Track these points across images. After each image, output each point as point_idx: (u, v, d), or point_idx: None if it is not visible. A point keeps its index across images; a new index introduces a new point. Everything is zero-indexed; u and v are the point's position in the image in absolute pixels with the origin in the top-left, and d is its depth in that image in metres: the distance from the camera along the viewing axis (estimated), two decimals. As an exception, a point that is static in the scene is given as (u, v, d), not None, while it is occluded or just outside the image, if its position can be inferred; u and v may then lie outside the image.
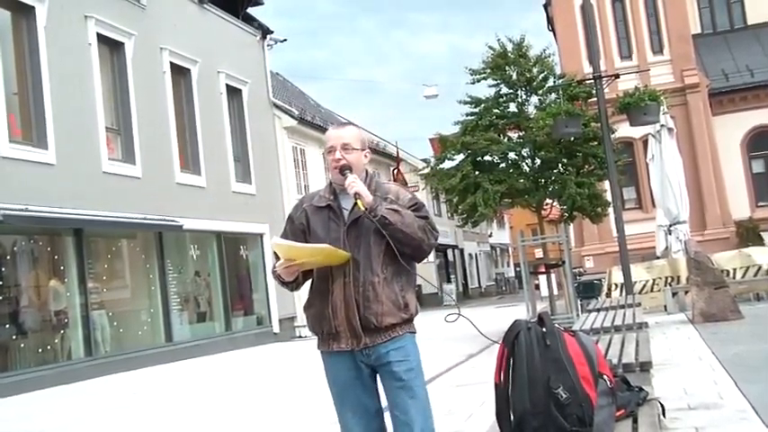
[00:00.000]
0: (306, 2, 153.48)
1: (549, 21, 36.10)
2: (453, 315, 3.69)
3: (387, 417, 3.64)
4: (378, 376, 3.59)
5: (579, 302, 15.84)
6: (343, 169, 3.59)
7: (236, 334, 21.26)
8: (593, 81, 14.32)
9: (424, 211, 3.64)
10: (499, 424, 3.61)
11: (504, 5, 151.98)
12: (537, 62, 16.95)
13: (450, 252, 46.64)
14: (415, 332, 3.63)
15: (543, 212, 17.15)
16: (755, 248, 18.02)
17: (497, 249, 63.11)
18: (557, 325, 3.69)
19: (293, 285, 3.68)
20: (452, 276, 46.48)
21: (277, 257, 3.59)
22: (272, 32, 25.71)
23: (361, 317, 3.48)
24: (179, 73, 20.45)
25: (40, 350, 15.22)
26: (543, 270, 17.50)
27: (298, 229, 3.69)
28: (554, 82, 17.02)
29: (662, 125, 16.77)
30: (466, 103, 17.20)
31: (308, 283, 3.71)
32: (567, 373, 3.44)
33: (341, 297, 3.51)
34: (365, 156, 3.74)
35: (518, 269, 43.11)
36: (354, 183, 3.52)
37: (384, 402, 3.62)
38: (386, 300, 3.49)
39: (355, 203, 3.52)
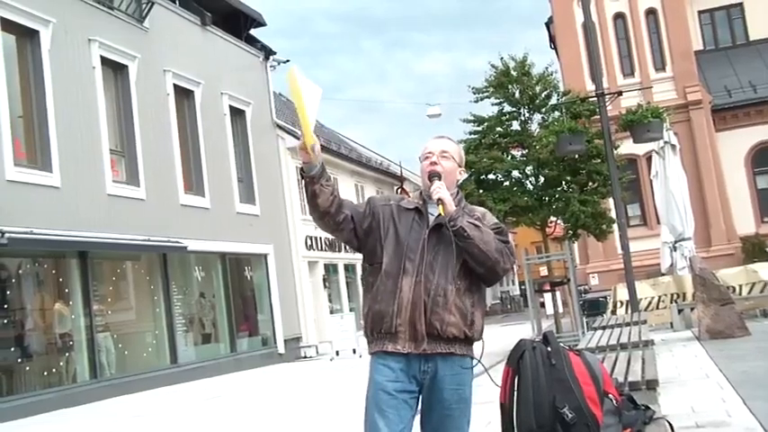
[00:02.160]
0: (308, 22, 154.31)
1: (552, 39, 36.22)
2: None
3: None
4: (420, 399, 3.47)
5: (585, 320, 15.80)
6: (432, 175, 3.58)
7: (242, 355, 21.21)
8: (595, 98, 14.34)
9: (506, 236, 3.60)
10: (505, 444, 3.58)
11: (506, 24, 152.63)
12: (540, 80, 17.01)
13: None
14: (473, 357, 3.53)
15: (548, 230, 17.14)
16: (761, 264, 17.94)
17: (502, 267, 62.88)
18: (562, 344, 3.67)
19: (314, 194, 3.49)
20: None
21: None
22: (274, 53, 25.81)
23: (426, 321, 3.38)
24: (182, 95, 20.53)
25: (45, 373, 15.19)
26: (548, 288, 17.46)
27: (370, 210, 3.63)
28: (557, 100, 17.08)
29: (665, 142, 16.80)
30: (469, 121, 17.26)
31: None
32: (573, 392, 3.42)
33: (409, 296, 3.41)
34: (460, 173, 3.75)
35: (523, 287, 42.99)
36: (439, 189, 3.50)
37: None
38: (455, 310, 3.42)
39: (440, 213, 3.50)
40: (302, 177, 3.54)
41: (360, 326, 3.94)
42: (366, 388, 3.50)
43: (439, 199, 3.48)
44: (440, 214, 3.48)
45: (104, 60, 17.61)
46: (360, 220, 3.61)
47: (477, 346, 3.55)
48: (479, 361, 3.53)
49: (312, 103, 3.50)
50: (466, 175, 3.84)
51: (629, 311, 13.17)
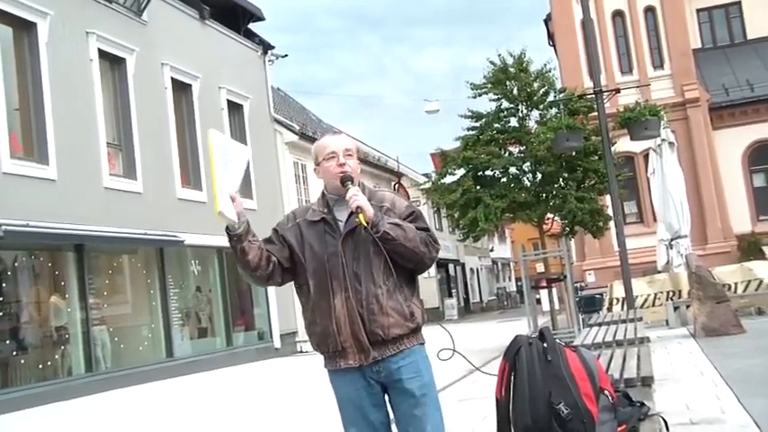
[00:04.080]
0: (307, 17, 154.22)
1: (550, 35, 36.19)
2: (447, 352, 3.61)
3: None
4: (387, 391, 3.51)
5: (581, 317, 15.82)
6: (345, 180, 3.49)
7: (238, 349, 21.23)
8: (593, 95, 14.33)
9: (423, 222, 3.55)
10: (500, 439, 3.59)
11: (505, 20, 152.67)
12: (538, 77, 17.00)
13: (451, 267, 46.63)
14: (424, 342, 3.55)
15: (544, 227, 17.15)
16: (757, 262, 17.98)
17: (499, 264, 63.07)
18: (558, 340, 3.68)
19: (243, 252, 3.46)
20: (454, 291, 46.44)
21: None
22: (273, 48, 25.80)
23: (367, 331, 3.39)
24: (180, 88, 20.51)
25: (40, 366, 15.19)
26: (545, 284, 17.48)
27: (281, 238, 3.59)
28: (555, 96, 17.06)
29: (663, 139, 16.81)
30: (467, 117, 17.25)
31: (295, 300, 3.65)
32: (569, 388, 3.43)
33: (344, 312, 3.41)
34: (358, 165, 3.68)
35: (519, 284, 43.10)
36: (356, 196, 3.40)
37: (391, 415, 3.57)
38: (391, 311, 3.41)
39: (351, 214, 3.43)
40: (228, 237, 3.51)
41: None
42: (335, 403, 3.57)
43: (358, 207, 3.39)
44: (351, 216, 3.43)
45: (102, 53, 17.59)
46: (281, 256, 3.58)
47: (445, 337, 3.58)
48: (455, 350, 3.57)
49: (234, 166, 3.51)
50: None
51: (625, 308, 13.18)
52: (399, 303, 3.44)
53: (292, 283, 3.68)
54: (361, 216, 3.38)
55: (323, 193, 3.65)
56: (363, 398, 3.48)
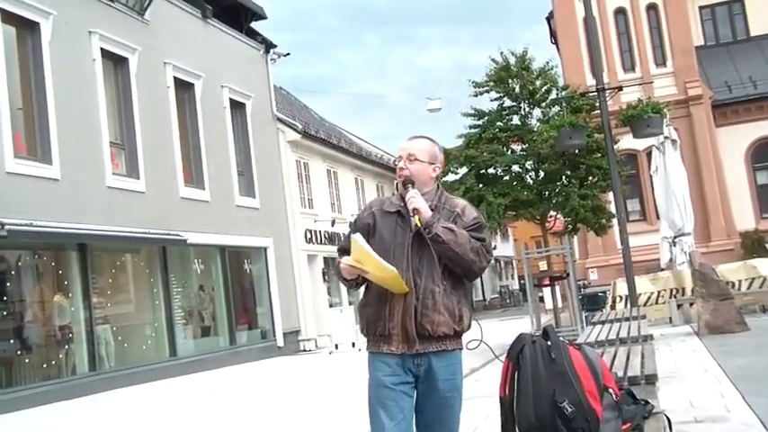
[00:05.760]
0: (309, 16, 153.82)
1: (553, 33, 36.18)
2: (475, 341, 3.79)
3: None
4: (417, 385, 3.65)
5: (584, 315, 15.80)
6: (406, 182, 3.71)
7: (241, 348, 21.23)
8: (596, 93, 14.31)
9: (484, 233, 3.73)
10: (504, 438, 3.59)
11: (507, 19, 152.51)
12: (540, 75, 16.96)
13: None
14: (462, 348, 3.72)
15: (547, 225, 17.12)
16: (760, 260, 17.93)
17: (501, 262, 62.95)
18: (561, 338, 3.67)
19: (352, 284, 3.74)
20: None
21: (345, 252, 3.68)
22: (275, 46, 25.79)
23: (417, 323, 3.55)
24: (183, 87, 20.50)
25: (44, 365, 15.21)
26: (547, 282, 17.43)
27: (361, 229, 3.76)
28: (557, 94, 17.01)
29: (665, 137, 16.79)
30: (469, 115, 17.20)
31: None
32: (573, 386, 3.42)
33: (400, 302, 3.58)
34: (433, 169, 3.83)
35: (522, 281, 42.97)
36: (414, 198, 3.62)
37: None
38: (444, 310, 3.58)
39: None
40: (345, 281, 3.76)
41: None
42: (367, 382, 3.70)
43: (414, 209, 3.59)
44: (417, 225, 3.59)
45: (105, 53, 17.59)
46: None
47: (475, 329, 3.75)
48: (482, 340, 3.77)
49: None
50: (440, 171, 3.90)
51: (629, 306, 13.17)
52: (453, 304, 3.61)
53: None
54: (416, 217, 3.58)
55: (400, 192, 3.85)
56: (397, 384, 3.61)
